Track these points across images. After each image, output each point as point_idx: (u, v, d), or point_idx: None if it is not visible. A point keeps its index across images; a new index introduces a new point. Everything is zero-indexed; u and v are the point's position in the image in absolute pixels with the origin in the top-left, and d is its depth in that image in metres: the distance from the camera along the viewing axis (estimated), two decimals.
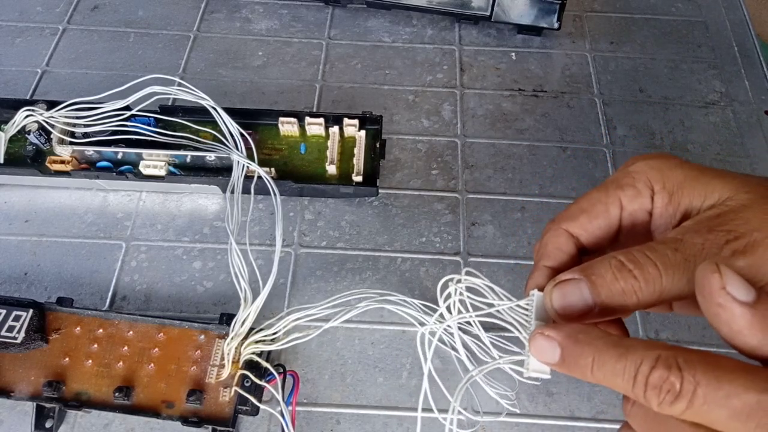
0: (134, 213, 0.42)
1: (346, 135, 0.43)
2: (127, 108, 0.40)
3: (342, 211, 0.42)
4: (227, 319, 0.35)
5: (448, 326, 0.29)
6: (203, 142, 0.41)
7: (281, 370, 0.34)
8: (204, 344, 0.35)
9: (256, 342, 0.34)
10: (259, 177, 0.37)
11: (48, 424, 0.33)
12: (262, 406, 0.33)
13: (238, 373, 0.33)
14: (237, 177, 0.37)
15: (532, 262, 0.26)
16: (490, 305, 0.26)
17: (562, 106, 0.48)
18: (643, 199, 0.25)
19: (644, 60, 0.51)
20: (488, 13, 0.50)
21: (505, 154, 0.45)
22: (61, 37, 0.51)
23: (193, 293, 0.39)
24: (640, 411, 0.21)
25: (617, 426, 0.33)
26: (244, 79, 0.49)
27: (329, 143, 0.42)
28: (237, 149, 0.40)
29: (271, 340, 0.34)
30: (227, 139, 0.40)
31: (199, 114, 0.42)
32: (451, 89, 0.49)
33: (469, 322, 0.28)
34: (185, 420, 0.32)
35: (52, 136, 0.40)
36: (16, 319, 0.34)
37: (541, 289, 0.24)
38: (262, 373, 0.34)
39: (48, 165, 0.40)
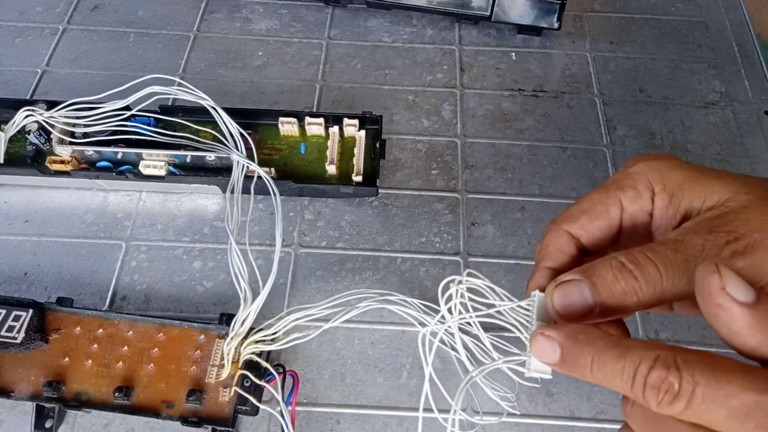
0: (134, 213, 0.42)
1: (346, 135, 0.43)
2: (127, 108, 0.40)
3: (342, 211, 0.42)
4: (227, 319, 0.35)
5: (449, 327, 0.29)
6: (203, 142, 0.41)
7: (281, 370, 0.34)
8: (204, 344, 0.35)
9: (256, 342, 0.34)
10: (259, 177, 0.37)
11: (48, 424, 0.33)
12: (261, 406, 0.33)
13: (238, 373, 0.33)
14: (237, 177, 0.37)
15: (532, 263, 0.26)
16: (492, 306, 0.26)
17: (562, 106, 0.48)
18: (644, 201, 0.25)
19: (644, 60, 0.51)
20: (488, 13, 0.50)
21: (505, 154, 0.45)
22: (61, 37, 0.51)
23: (193, 293, 0.39)
24: (640, 411, 0.21)
25: (617, 426, 0.33)
26: (244, 79, 0.49)
27: (329, 143, 0.42)
28: (237, 149, 0.40)
29: (271, 340, 0.34)
30: (227, 139, 0.40)
31: (199, 114, 0.42)
32: (451, 89, 0.49)
33: (469, 323, 0.28)
34: (185, 420, 0.32)
35: (52, 136, 0.40)
36: (16, 319, 0.34)
37: (542, 290, 0.25)
38: (261, 373, 0.34)
39: (48, 165, 0.40)
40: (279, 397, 0.32)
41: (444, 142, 0.46)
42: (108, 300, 0.38)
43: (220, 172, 0.41)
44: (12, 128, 0.40)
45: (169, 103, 0.45)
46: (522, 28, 0.52)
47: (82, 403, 0.33)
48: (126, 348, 0.34)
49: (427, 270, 0.40)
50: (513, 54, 0.51)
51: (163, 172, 0.40)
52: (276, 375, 0.33)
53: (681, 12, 0.55)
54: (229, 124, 0.40)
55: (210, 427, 0.33)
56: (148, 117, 0.42)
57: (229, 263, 0.34)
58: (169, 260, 0.40)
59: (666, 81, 0.50)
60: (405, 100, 0.48)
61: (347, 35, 0.52)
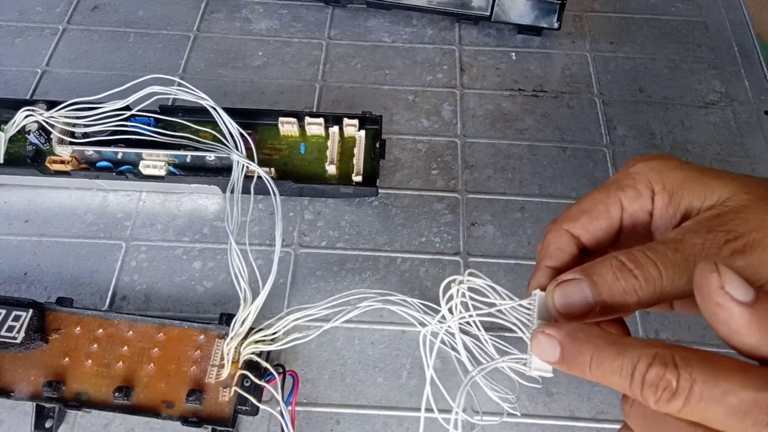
0: (134, 213, 0.42)
1: (346, 135, 0.43)
2: (127, 108, 0.40)
3: (342, 211, 0.42)
4: (227, 319, 0.35)
5: (450, 327, 0.29)
6: (203, 142, 0.41)
7: (281, 370, 0.34)
8: (204, 344, 0.35)
9: (256, 342, 0.34)
10: (259, 177, 0.37)
11: (48, 424, 0.33)
12: (261, 406, 0.33)
13: (238, 373, 0.33)
14: (237, 177, 0.37)
15: (533, 263, 0.27)
16: (493, 305, 0.26)
17: (562, 106, 0.48)
18: (644, 200, 0.25)
19: (644, 60, 0.51)
20: (488, 13, 0.50)
21: (505, 154, 0.45)
22: (61, 37, 0.51)
23: (192, 293, 0.39)
24: (639, 410, 0.21)
25: (617, 426, 0.33)
26: (244, 79, 0.49)
27: (329, 143, 0.42)
28: (237, 149, 0.40)
29: (271, 340, 0.34)
30: (227, 139, 0.40)
31: (199, 114, 0.42)
32: (451, 89, 0.49)
33: (469, 322, 0.28)
34: (185, 420, 0.32)
35: (52, 136, 0.40)
36: (16, 319, 0.34)
37: (543, 289, 0.25)
38: (261, 373, 0.34)
39: (48, 165, 0.40)
40: (279, 397, 0.32)
41: (444, 142, 0.46)
42: (108, 300, 0.38)
43: (220, 172, 0.41)
44: (12, 128, 0.40)
45: (169, 103, 0.45)
46: (522, 28, 0.52)
47: (82, 403, 0.33)
48: (126, 348, 0.34)
49: (427, 270, 0.40)
50: (513, 54, 0.51)
51: (163, 172, 0.40)
52: (276, 375, 0.33)
53: (681, 12, 0.55)
54: (229, 124, 0.40)
55: (210, 427, 0.33)
56: (148, 117, 0.42)
57: (229, 263, 0.34)
58: (169, 260, 0.40)
59: (666, 81, 0.50)
60: (405, 100, 0.48)
61: (347, 35, 0.52)
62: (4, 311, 0.34)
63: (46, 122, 0.40)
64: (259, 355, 0.34)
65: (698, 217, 0.23)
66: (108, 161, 0.41)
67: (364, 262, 0.40)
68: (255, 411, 0.34)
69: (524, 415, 0.35)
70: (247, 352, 0.34)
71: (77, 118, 0.41)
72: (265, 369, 0.34)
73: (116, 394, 0.33)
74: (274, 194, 0.36)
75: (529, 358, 0.24)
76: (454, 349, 0.33)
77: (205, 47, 0.51)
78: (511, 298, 0.26)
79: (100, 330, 0.35)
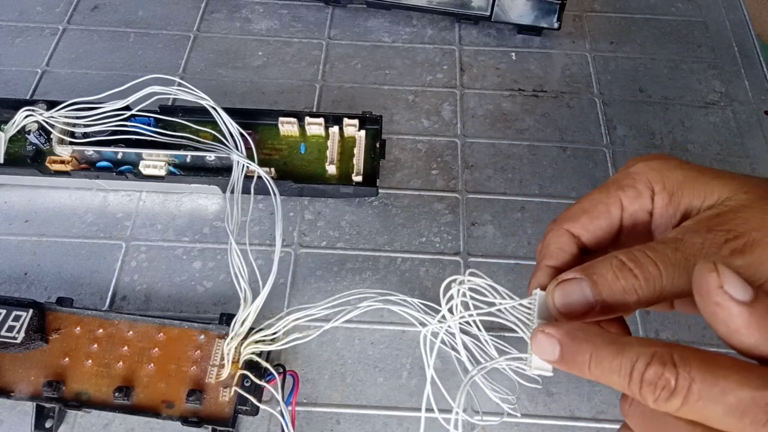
0: (134, 213, 0.42)
1: (346, 135, 0.43)
2: (127, 108, 0.40)
3: (342, 211, 0.42)
4: (227, 319, 0.35)
5: (451, 326, 0.29)
6: (203, 142, 0.41)
7: (281, 370, 0.34)
8: (204, 344, 0.35)
9: (256, 342, 0.34)
10: (259, 177, 0.37)
11: (48, 424, 0.33)
12: (262, 406, 0.33)
13: (238, 373, 0.33)
14: (237, 177, 0.37)
15: (533, 263, 0.27)
16: (494, 304, 0.26)
17: (562, 106, 0.48)
18: (644, 200, 0.25)
19: (644, 60, 0.51)
20: (488, 13, 0.50)
21: (505, 154, 0.45)
22: (61, 37, 0.51)
23: (193, 293, 0.39)
24: (638, 410, 0.22)
25: (617, 426, 0.33)
26: (244, 79, 0.49)
27: (329, 143, 0.42)
28: (237, 149, 0.40)
29: (271, 340, 0.34)
30: (227, 139, 0.40)
31: (199, 114, 0.42)
32: (451, 89, 0.49)
33: (469, 322, 0.28)
34: (185, 420, 0.32)
35: (52, 136, 0.40)
36: (16, 319, 0.34)
37: (543, 289, 0.25)
38: (261, 373, 0.34)
39: (48, 165, 0.40)
40: (279, 397, 0.32)
41: (444, 142, 0.46)
42: (108, 300, 0.38)
43: (220, 172, 0.41)
44: (12, 128, 0.40)
45: (169, 103, 0.45)
46: (522, 28, 0.52)
47: (82, 403, 0.33)
48: (126, 348, 0.34)
49: (427, 270, 0.40)
50: (513, 54, 0.51)
51: (163, 172, 0.40)
52: (276, 375, 0.33)
53: (681, 12, 0.55)
54: (229, 124, 0.40)
55: (210, 427, 0.33)
56: (148, 117, 0.42)
57: (229, 263, 0.34)
58: (169, 260, 0.40)
59: (666, 81, 0.50)
60: (405, 100, 0.48)
61: (347, 35, 0.52)
62: (4, 311, 0.34)
63: (46, 122, 0.40)
64: (260, 355, 0.34)
65: (698, 217, 0.23)
66: (108, 161, 0.41)
67: (364, 262, 0.40)
68: (255, 411, 0.34)
69: (524, 415, 0.35)
70: (248, 352, 0.34)
71: (77, 118, 0.41)
72: (266, 369, 0.34)
73: (116, 394, 0.33)
74: (274, 194, 0.36)
75: (529, 357, 0.24)
76: (454, 349, 0.33)
77: (205, 47, 0.51)
78: (512, 298, 0.26)
79: (100, 330, 0.35)
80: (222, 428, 0.32)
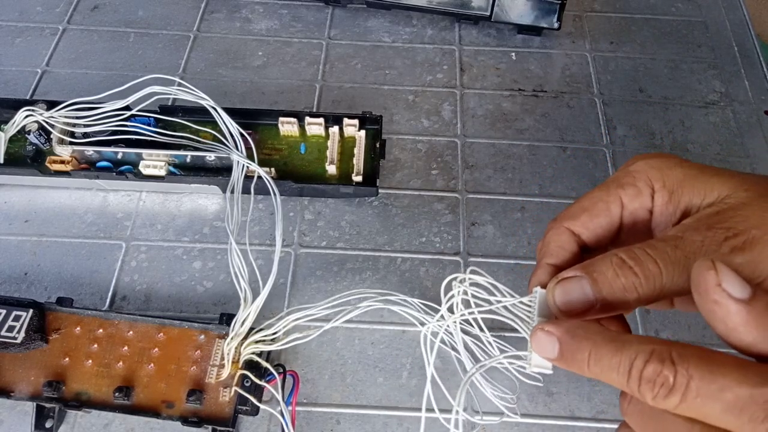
0: (134, 213, 0.42)
1: (346, 135, 0.43)
2: (127, 108, 0.40)
3: (342, 211, 0.42)
4: (227, 319, 0.35)
5: (451, 325, 0.29)
6: (203, 142, 0.41)
7: (281, 370, 0.34)
8: (204, 344, 0.35)
9: (256, 342, 0.34)
10: (259, 177, 0.37)
11: (48, 424, 0.33)
12: (262, 406, 0.33)
13: (238, 373, 0.33)
14: (237, 177, 0.37)
15: (533, 262, 0.27)
16: (494, 302, 0.26)
17: (562, 106, 0.48)
18: (644, 198, 0.25)
19: (644, 60, 0.51)
20: (488, 13, 0.50)
21: (505, 154, 0.45)
22: (61, 37, 0.51)
23: (193, 293, 0.39)
24: (637, 407, 0.22)
25: (617, 426, 0.33)
26: (244, 79, 0.49)
27: (329, 143, 0.42)
28: (237, 149, 0.40)
29: (271, 340, 0.34)
30: (227, 139, 0.40)
31: (199, 114, 0.42)
32: (451, 89, 0.49)
33: (469, 322, 0.28)
34: (185, 420, 0.32)
35: (52, 136, 0.40)
36: (16, 319, 0.34)
37: (543, 286, 0.25)
38: (262, 373, 0.34)
39: (48, 165, 0.40)
40: (279, 397, 0.32)
41: (444, 142, 0.46)
42: (108, 300, 0.38)
43: (220, 172, 0.41)
44: (12, 128, 0.40)
45: (169, 103, 0.45)
46: (522, 28, 0.52)
47: (82, 403, 0.33)
48: (126, 348, 0.34)
49: (427, 270, 0.40)
50: (513, 54, 0.51)
51: (163, 172, 0.40)
52: (276, 375, 0.33)
53: (681, 12, 0.55)
54: (229, 124, 0.40)
55: (210, 427, 0.32)
56: (148, 117, 0.42)
57: (229, 263, 0.34)
58: (169, 260, 0.40)
59: (666, 81, 0.50)
60: (405, 100, 0.48)
61: (347, 35, 0.52)
62: (4, 311, 0.34)
63: (46, 122, 0.40)
64: (260, 355, 0.34)
65: (698, 215, 0.23)
66: (108, 161, 0.41)
67: (365, 262, 0.40)
68: (255, 411, 0.33)
69: (524, 415, 0.35)
70: (248, 352, 0.34)
71: (77, 118, 0.41)
72: (266, 369, 0.33)
73: (116, 394, 0.33)
74: (275, 194, 0.36)
75: (529, 354, 0.24)
76: (454, 348, 0.33)
77: (205, 47, 0.51)
78: (512, 296, 0.26)
79: (101, 330, 0.35)
80: (222, 428, 0.32)
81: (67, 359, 0.34)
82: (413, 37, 0.52)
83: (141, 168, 0.40)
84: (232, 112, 0.41)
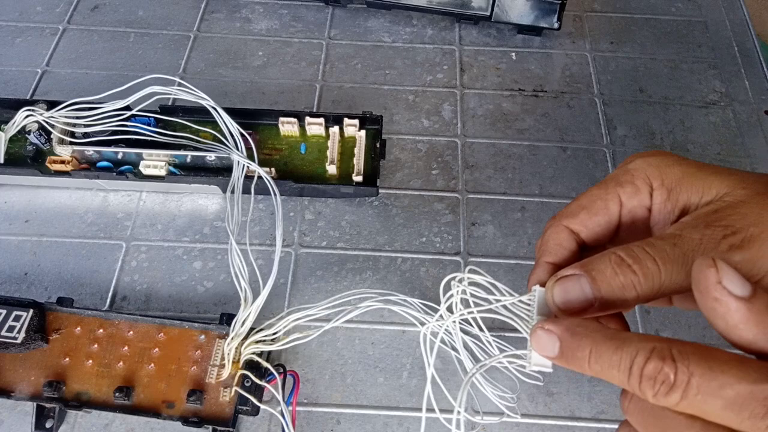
0: (134, 213, 0.42)
1: (346, 135, 0.43)
2: (127, 108, 0.40)
3: (342, 211, 0.42)
4: (227, 319, 0.35)
5: (452, 323, 0.29)
6: (203, 142, 0.41)
7: (281, 370, 0.34)
8: (204, 344, 0.35)
9: (257, 342, 0.34)
10: (259, 177, 0.37)
11: (48, 424, 0.33)
12: (262, 406, 0.33)
13: (239, 373, 0.33)
14: (237, 177, 0.37)
15: (533, 262, 0.27)
16: (493, 301, 0.26)
17: (562, 106, 0.48)
18: (642, 196, 0.25)
19: (644, 60, 0.51)
20: (488, 13, 0.50)
21: (505, 154, 0.45)
22: (61, 37, 0.51)
23: (193, 293, 0.39)
24: (637, 405, 0.22)
25: (618, 425, 0.33)
26: (244, 79, 0.49)
27: (329, 143, 0.42)
28: (237, 149, 0.40)
29: (272, 340, 0.34)
30: (227, 139, 0.40)
31: (199, 114, 0.42)
32: (451, 89, 0.49)
33: (468, 321, 0.28)
34: (185, 420, 0.32)
35: (52, 136, 0.40)
36: (17, 319, 0.34)
37: (542, 285, 0.25)
38: (262, 373, 0.34)
39: (48, 165, 0.40)
40: (279, 397, 0.32)
41: (444, 142, 0.46)
42: (108, 300, 0.38)
43: (220, 172, 0.41)
44: (12, 128, 0.41)
45: (169, 103, 0.45)
46: (522, 28, 0.52)
47: (82, 403, 0.33)
48: (126, 348, 0.34)
49: (428, 270, 0.40)
50: (513, 54, 0.51)
51: (163, 172, 0.40)
52: (276, 375, 0.33)
53: (681, 12, 0.55)
54: (229, 124, 0.40)
55: (210, 427, 0.32)
56: (148, 117, 0.42)
57: (229, 263, 0.34)
58: (170, 260, 0.40)
59: (666, 81, 0.50)
60: (405, 100, 0.48)
61: (347, 35, 0.52)
62: (4, 311, 0.34)
63: (46, 122, 0.40)
64: (260, 355, 0.34)
65: (696, 213, 0.23)
66: (108, 161, 0.41)
67: (365, 262, 0.40)
68: (256, 411, 0.33)
69: (524, 415, 0.35)
70: (248, 352, 0.34)
71: (77, 118, 0.41)
72: (266, 369, 0.34)
73: (117, 394, 0.33)
74: (275, 194, 0.36)
75: (529, 353, 0.24)
76: (454, 348, 0.33)
77: (205, 47, 0.51)
78: (511, 294, 0.26)
79: (101, 330, 0.35)
80: (222, 428, 0.32)
81: (67, 359, 0.34)
82: (413, 37, 0.52)
83: (141, 168, 0.40)
84: (232, 112, 0.41)
